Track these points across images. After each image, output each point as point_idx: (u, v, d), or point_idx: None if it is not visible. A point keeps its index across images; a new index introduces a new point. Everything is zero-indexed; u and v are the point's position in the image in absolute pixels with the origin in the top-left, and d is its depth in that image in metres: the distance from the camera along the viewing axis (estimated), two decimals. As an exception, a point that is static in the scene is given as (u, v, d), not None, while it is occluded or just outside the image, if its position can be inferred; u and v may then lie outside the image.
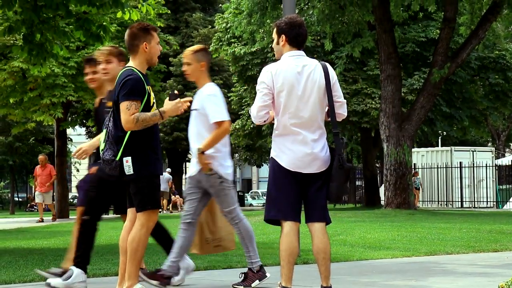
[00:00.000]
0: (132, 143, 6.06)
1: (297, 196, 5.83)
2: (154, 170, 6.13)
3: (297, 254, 5.84)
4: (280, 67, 5.83)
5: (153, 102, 6.16)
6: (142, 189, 6.08)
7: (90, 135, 49.78)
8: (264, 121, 5.89)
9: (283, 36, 5.90)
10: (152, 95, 6.18)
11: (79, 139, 55.41)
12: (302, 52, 5.92)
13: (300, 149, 5.78)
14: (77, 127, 41.68)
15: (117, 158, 6.06)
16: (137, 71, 6.09)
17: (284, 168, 5.79)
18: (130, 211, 6.29)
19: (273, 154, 5.88)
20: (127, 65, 6.22)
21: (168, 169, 39.76)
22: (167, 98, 6.24)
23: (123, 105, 5.97)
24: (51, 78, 25.16)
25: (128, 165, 6.03)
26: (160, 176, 6.23)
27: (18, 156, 46.58)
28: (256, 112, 5.84)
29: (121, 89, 6.01)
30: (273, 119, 5.91)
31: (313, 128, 5.83)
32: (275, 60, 5.98)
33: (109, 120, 6.18)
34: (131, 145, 6.06)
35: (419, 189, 35.52)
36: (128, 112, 5.95)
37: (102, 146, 6.15)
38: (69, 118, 32.09)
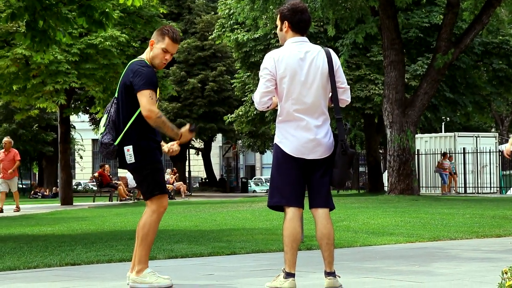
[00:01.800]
0: (133, 131, 6.10)
1: (300, 182, 5.84)
2: (155, 157, 6.18)
3: (300, 240, 5.86)
4: (283, 53, 5.83)
5: (158, 97, 6.24)
6: (146, 177, 6.14)
7: (94, 122, 49.83)
8: (267, 107, 5.89)
9: (286, 22, 5.90)
10: (158, 89, 6.25)
11: (82, 126, 55.50)
12: (305, 38, 5.92)
13: (304, 135, 5.79)
14: (80, 114, 41.73)
15: (116, 143, 6.08)
16: (149, 65, 6.17)
17: (288, 154, 5.81)
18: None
19: (276, 140, 5.89)
20: (140, 56, 6.28)
21: None
22: (188, 126, 6.22)
23: (146, 93, 5.99)
24: (54, 64, 25.15)
25: (129, 154, 6.07)
26: None
27: (21, 143, 46.58)
28: (259, 98, 5.84)
29: (137, 77, 6.03)
30: (277, 105, 5.92)
31: (317, 114, 5.84)
32: (278, 46, 5.98)
33: (111, 105, 6.19)
34: (132, 133, 6.10)
35: (455, 173, 35.46)
36: (152, 101, 5.99)
37: (101, 130, 6.16)
38: (72, 105, 32.10)
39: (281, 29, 5.96)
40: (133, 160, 6.08)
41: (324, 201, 5.87)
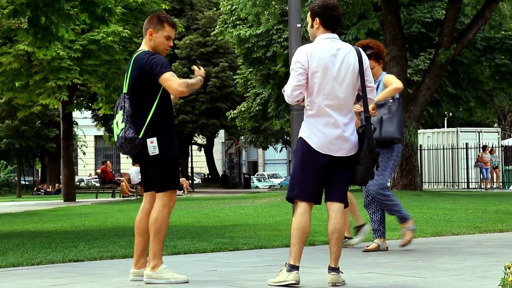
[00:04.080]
0: (155, 123, 6.11)
1: (322, 178, 5.91)
2: (177, 150, 6.22)
3: (308, 234, 5.90)
4: (316, 48, 5.88)
5: None
6: (166, 170, 6.14)
7: (96, 118, 49.86)
8: (297, 101, 5.93)
9: (317, 19, 5.95)
10: None
11: (85, 122, 55.51)
12: (336, 35, 5.99)
13: (332, 131, 5.84)
14: (83, 110, 41.74)
15: (140, 136, 6.07)
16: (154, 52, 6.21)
17: (314, 150, 5.84)
18: (148, 195, 6.32)
19: (303, 134, 5.91)
20: (141, 48, 6.28)
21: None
22: (196, 67, 6.40)
23: (167, 75, 6.04)
24: (56, 61, 25.16)
25: (153, 145, 6.07)
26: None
27: (24, 140, 46.64)
28: (291, 92, 5.86)
29: (154, 65, 6.06)
30: (303, 100, 5.95)
31: (345, 111, 5.91)
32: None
33: (123, 101, 6.17)
34: (154, 125, 6.10)
35: (497, 168, 34.57)
36: (174, 79, 6.04)
37: (121, 126, 6.10)
38: (75, 101, 32.13)
39: (312, 26, 6.00)
40: (156, 152, 6.08)
41: (341, 196, 5.95)
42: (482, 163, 33.85)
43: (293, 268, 5.77)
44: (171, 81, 6.03)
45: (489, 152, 34.17)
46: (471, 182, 35.16)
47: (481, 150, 34.34)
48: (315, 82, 5.84)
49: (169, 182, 6.16)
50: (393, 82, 8.17)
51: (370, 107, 6.26)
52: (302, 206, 5.85)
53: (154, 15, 6.33)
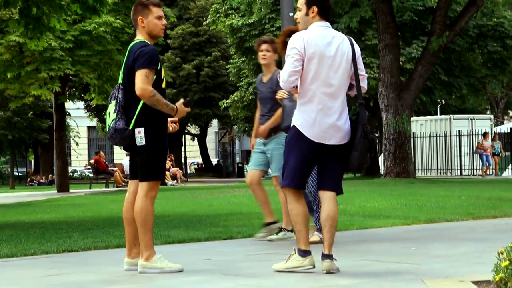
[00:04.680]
0: (145, 113, 6.12)
1: (313, 167, 5.99)
2: (165, 142, 6.23)
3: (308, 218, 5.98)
4: (312, 35, 5.89)
5: (164, 75, 6.26)
6: (151, 160, 6.15)
7: (89, 109, 49.75)
8: (293, 87, 5.92)
9: (314, 8, 5.95)
10: (163, 68, 6.24)
11: (77, 113, 55.34)
12: (329, 24, 6.01)
13: (326, 120, 5.86)
14: (75, 100, 41.62)
15: (130, 127, 6.08)
16: (149, 43, 6.19)
17: (308, 139, 5.86)
18: (133, 183, 6.33)
19: (296, 123, 5.90)
20: (136, 38, 6.27)
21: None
22: (182, 100, 6.33)
23: (142, 72, 6.02)
24: (48, 51, 25.06)
25: (140, 135, 6.09)
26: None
27: (17, 131, 46.50)
28: (287, 77, 5.85)
29: (139, 57, 6.06)
30: (297, 87, 5.95)
31: (340, 99, 5.93)
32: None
33: (117, 91, 6.18)
34: (144, 116, 6.12)
35: (499, 155, 33.84)
36: (147, 80, 6.02)
37: (113, 117, 6.13)
38: (67, 92, 32.02)
39: (307, 14, 5.98)
40: (143, 143, 6.10)
41: (335, 184, 5.98)
42: (482, 149, 33.40)
43: (306, 253, 5.85)
44: (141, 78, 6.01)
45: (492, 139, 33.73)
46: (464, 169, 35.22)
47: (481, 137, 34.13)
48: (311, 68, 5.84)
49: (153, 172, 6.16)
50: None
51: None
52: (296, 194, 5.90)
53: (136, 4, 6.33)
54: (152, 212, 6.17)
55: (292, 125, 5.94)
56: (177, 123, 6.43)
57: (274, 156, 8.39)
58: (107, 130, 6.20)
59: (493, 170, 33.64)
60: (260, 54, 8.59)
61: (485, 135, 33.97)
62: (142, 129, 6.10)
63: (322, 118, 5.86)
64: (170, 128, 6.42)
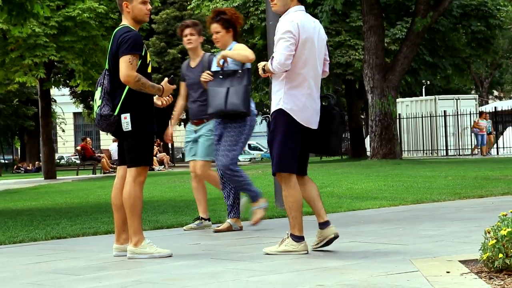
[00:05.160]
0: (130, 99, 6.12)
1: (300, 150, 6.02)
2: (152, 127, 6.22)
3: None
4: (302, 19, 5.90)
5: (149, 60, 6.24)
6: (138, 145, 6.15)
7: (74, 95, 49.56)
8: (286, 71, 5.87)
9: None
10: (148, 53, 6.23)
11: (63, 99, 55.18)
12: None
13: (312, 104, 5.94)
14: (60, 87, 41.44)
15: (115, 113, 6.08)
16: (133, 29, 6.16)
17: (298, 123, 5.89)
18: (121, 169, 6.33)
19: (286, 107, 5.88)
20: (121, 23, 6.25)
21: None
22: (166, 79, 6.32)
23: (126, 58, 6.02)
24: (32, 38, 24.93)
25: (126, 121, 6.09)
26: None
27: (2, 118, 46.35)
28: (284, 60, 5.79)
29: (122, 44, 6.06)
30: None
31: (319, 84, 6.04)
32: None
33: (103, 77, 6.18)
34: (129, 101, 6.12)
35: (491, 134, 33.59)
36: (131, 66, 6.02)
37: (98, 103, 6.15)
38: (52, 78, 31.88)
39: None
40: (129, 128, 6.10)
41: (306, 168, 6.15)
42: (477, 129, 33.15)
43: (300, 239, 5.92)
44: (125, 65, 6.01)
45: (484, 118, 33.49)
46: (450, 149, 35.37)
47: (477, 116, 34.02)
48: (303, 53, 5.86)
49: (140, 158, 6.17)
50: (246, 51, 7.62)
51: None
52: (293, 179, 5.93)
53: None
54: (141, 198, 6.17)
55: (278, 108, 5.91)
56: (170, 96, 6.40)
57: (201, 142, 8.08)
58: (94, 116, 6.20)
59: (479, 150, 33.54)
60: (185, 39, 8.24)
61: (481, 114, 33.86)
62: (128, 115, 6.10)
63: (310, 102, 5.91)
64: (164, 102, 6.38)
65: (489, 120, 34.12)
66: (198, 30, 8.26)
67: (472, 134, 33.94)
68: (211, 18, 7.85)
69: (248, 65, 7.67)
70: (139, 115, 6.14)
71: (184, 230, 8.17)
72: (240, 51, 7.57)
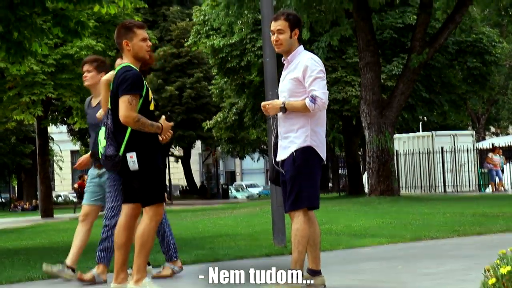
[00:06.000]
0: (135, 137, 6.08)
1: None
2: (158, 163, 6.18)
3: None
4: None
5: (151, 98, 6.21)
6: (149, 183, 6.09)
7: (72, 133, 49.58)
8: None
9: (297, 30, 6.03)
10: (150, 90, 6.22)
11: (60, 137, 55.16)
12: None
13: (325, 141, 6.09)
14: (58, 124, 41.46)
15: (120, 153, 6.05)
16: (134, 67, 6.14)
17: (322, 159, 5.99)
18: (126, 207, 6.26)
19: (313, 144, 5.95)
20: (123, 62, 6.25)
21: None
22: (164, 117, 6.36)
23: (125, 99, 6.00)
24: (30, 76, 25.03)
25: (132, 160, 6.03)
26: None
27: (-1, 156, 46.31)
28: (325, 98, 5.91)
29: (121, 83, 6.04)
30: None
31: None
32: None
33: (107, 117, 6.16)
34: (134, 140, 6.07)
35: (502, 170, 32.80)
36: (130, 107, 5.99)
37: (103, 144, 6.14)
38: (50, 116, 31.93)
39: (291, 36, 5.99)
40: (136, 168, 6.05)
41: None
42: (491, 164, 32.43)
43: (316, 273, 6.00)
44: (124, 105, 5.99)
45: (497, 153, 32.82)
46: (448, 185, 35.32)
47: (491, 152, 33.23)
48: None
49: (154, 195, 6.11)
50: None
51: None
52: (312, 214, 6.04)
53: (119, 27, 6.29)
54: (153, 237, 6.15)
55: (307, 145, 5.92)
56: (170, 131, 6.37)
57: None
58: (100, 156, 6.21)
59: (496, 186, 32.78)
60: (83, 76, 7.67)
61: (494, 149, 33.42)
62: (134, 154, 6.05)
63: (324, 139, 6.03)
64: (164, 138, 6.32)
65: (502, 156, 33.69)
66: (95, 66, 7.57)
67: (485, 169, 33.26)
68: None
69: None
70: (145, 152, 6.10)
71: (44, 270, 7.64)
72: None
